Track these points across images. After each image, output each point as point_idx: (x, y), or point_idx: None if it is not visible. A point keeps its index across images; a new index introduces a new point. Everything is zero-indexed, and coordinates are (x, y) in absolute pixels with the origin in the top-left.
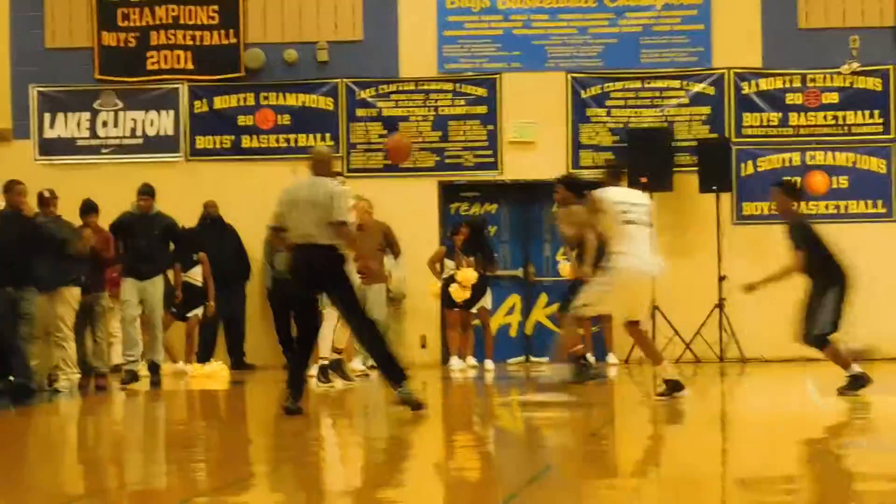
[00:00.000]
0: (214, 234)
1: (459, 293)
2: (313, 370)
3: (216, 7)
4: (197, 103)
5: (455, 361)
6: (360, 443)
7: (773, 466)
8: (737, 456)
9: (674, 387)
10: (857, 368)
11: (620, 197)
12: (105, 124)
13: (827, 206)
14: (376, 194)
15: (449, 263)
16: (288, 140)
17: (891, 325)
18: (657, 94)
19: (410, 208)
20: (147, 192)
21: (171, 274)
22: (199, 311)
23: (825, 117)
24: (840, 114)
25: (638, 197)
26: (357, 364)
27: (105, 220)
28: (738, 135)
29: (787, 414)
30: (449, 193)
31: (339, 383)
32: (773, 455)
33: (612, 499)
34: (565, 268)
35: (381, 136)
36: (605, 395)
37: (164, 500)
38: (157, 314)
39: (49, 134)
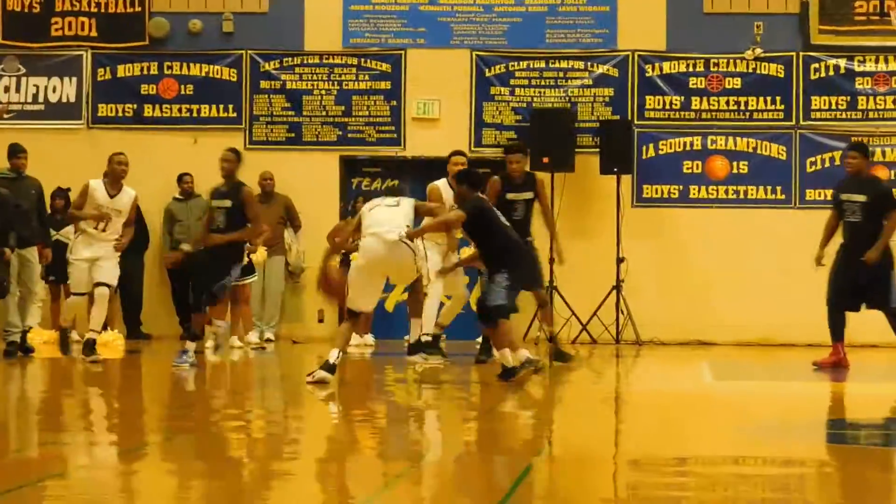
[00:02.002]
0: None
1: None
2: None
3: None
4: (100, 71)
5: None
6: (258, 415)
7: (665, 447)
8: (630, 437)
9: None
10: None
11: None
12: (7, 89)
13: (727, 191)
14: (278, 167)
15: None
16: (191, 110)
17: (788, 310)
18: (561, 74)
19: (312, 182)
20: (22, 151)
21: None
22: None
23: (727, 102)
24: (742, 99)
25: None
26: (252, 337)
27: None
28: (641, 117)
29: (681, 395)
30: (351, 168)
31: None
32: (666, 436)
33: (504, 476)
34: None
35: (283, 108)
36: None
37: (51, 468)
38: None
39: None
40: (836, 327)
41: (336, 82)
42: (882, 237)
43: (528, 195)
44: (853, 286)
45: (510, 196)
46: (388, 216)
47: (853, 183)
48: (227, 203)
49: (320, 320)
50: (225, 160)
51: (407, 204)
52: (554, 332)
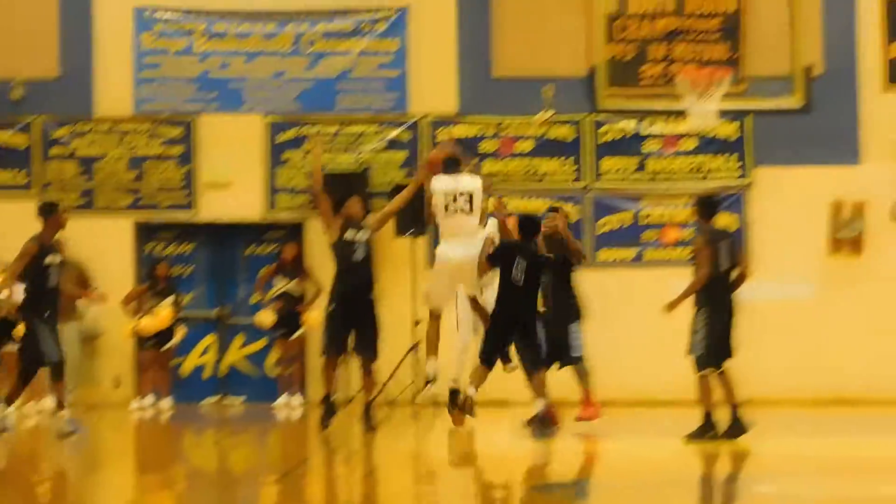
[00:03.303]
0: None
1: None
2: None
3: None
4: None
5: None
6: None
7: None
8: (426, 499)
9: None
10: None
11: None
12: None
13: None
14: (71, 233)
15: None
16: None
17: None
18: (354, 138)
19: (105, 247)
20: None
21: None
22: None
23: (519, 165)
24: (533, 161)
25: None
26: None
27: None
28: None
29: (479, 455)
30: (144, 233)
31: None
32: (461, 497)
33: None
34: (265, 315)
35: (75, 174)
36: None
37: None
38: None
39: None
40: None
41: (128, 148)
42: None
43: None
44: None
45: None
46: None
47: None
48: None
49: (116, 385)
50: None
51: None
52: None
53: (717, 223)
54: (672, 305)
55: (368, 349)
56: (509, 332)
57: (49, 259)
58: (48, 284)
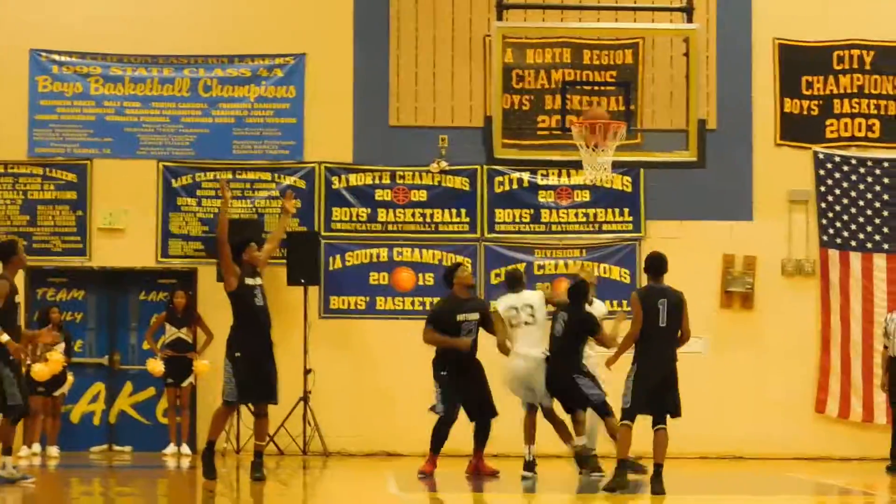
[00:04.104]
0: None
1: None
2: None
3: None
4: None
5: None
6: None
7: None
8: None
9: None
10: None
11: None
12: None
13: (413, 303)
14: None
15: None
16: None
17: None
18: (248, 185)
19: None
20: None
21: None
22: None
23: (413, 214)
24: (428, 211)
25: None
26: None
27: None
28: (328, 229)
29: None
30: (37, 279)
31: None
32: None
33: None
34: (154, 363)
35: None
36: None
37: None
38: None
39: None
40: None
41: (21, 192)
42: None
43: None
44: None
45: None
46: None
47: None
48: None
49: None
50: None
51: None
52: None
53: (659, 281)
54: (611, 361)
55: (272, 394)
56: None
57: (17, 298)
58: (16, 324)
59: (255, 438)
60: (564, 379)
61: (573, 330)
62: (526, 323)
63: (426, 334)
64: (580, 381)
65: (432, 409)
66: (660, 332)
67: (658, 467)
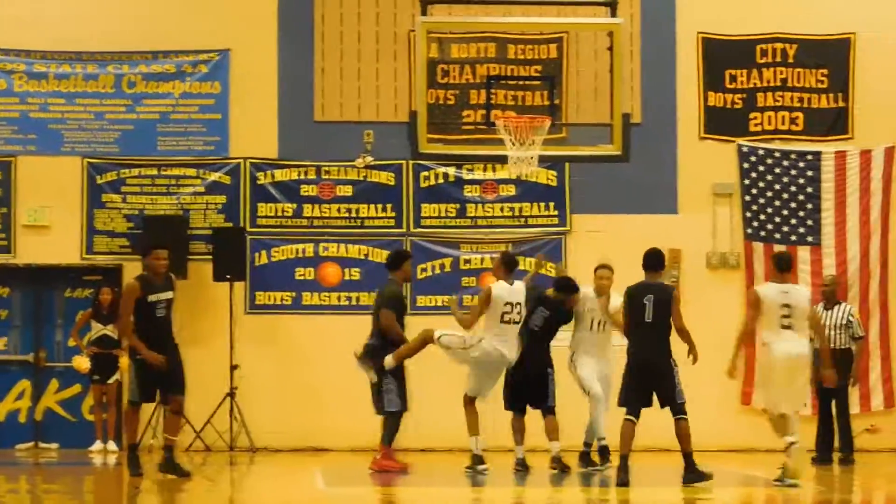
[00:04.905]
0: None
1: None
2: None
3: None
4: None
5: None
6: None
7: None
8: None
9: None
10: None
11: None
12: None
13: (339, 298)
14: None
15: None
16: None
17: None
18: (173, 181)
19: None
20: None
21: None
22: None
23: (339, 209)
24: (353, 206)
25: None
26: None
27: None
28: (253, 224)
29: (294, 503)
30: None
31: None
32: None
33: None
34: (80, 360)
35: None
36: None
37: None
38: None
39: None
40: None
41: None
42: None
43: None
44: None
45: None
46: None
47: None
48: None
49: None
50: None
51: None
52: (175, 442)
53: (654, 278)
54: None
55: (173, 386)
56: None
57: None
58: None
59: (164, 431)
60: (540, 370)
61: (553, 325)
62: (514, 322)
63: (387, 317)
64: (551, 376)
65: (389, 406)
66: (646, 328)
67: (687, 456)
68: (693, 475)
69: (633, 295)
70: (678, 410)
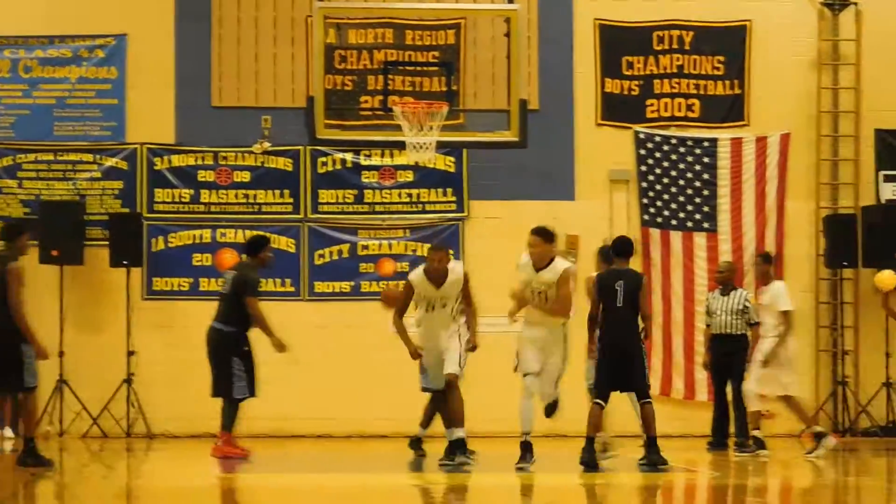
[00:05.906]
0: None
1: None
2: None
3: None
4: None
5: None
6: None
7: None
8: None
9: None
10: None
11: None
12: None
13: None
14: None
15: None
16: None
17: (296, 401)
18: (70, 167)
19: None
20: None
21: None
22: None
23: (237, 195)
24: (251, 192)
25: None
26: None
27: None
28: (151, 210)
29: (190, 490)
30: None
31: None
32: None
33: None
34: None
35: None
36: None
37: None
38: None
39: None
40: None
41: None
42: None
43: None
44: None
45: None
46: None
47: None
48: None
49: None
50: None
51: None
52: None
53: (622, 264)
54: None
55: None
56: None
57: None
58: None
59: (25, 423)
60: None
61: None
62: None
63: (256, 306)
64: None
65: (238, 393)
66: (617, 313)
67: (652, 440)
68: (656, 457)
69: (605, 281)
70: (644, 395)
